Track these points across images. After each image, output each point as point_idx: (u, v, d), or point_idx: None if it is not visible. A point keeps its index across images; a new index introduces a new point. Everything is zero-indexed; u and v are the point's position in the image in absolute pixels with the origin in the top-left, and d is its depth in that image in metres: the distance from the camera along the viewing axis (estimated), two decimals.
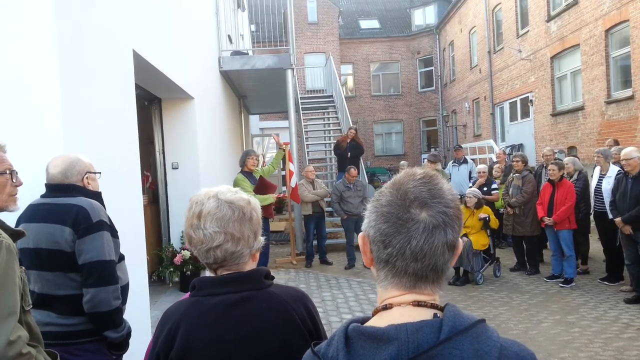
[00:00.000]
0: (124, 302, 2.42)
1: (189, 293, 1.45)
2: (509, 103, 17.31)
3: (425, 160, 9.42)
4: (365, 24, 27.30)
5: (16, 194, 2.02)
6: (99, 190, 2.50)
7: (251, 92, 11.95)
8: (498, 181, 8.74)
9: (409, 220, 0.89)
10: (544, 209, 6.93)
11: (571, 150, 12.45)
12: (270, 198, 7.06)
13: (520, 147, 15.54)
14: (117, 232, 2.43)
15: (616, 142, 8.31)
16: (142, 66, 4.56)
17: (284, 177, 10.95)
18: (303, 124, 13.08)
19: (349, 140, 10.30)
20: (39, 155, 2.56)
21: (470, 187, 8.27)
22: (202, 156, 6.85)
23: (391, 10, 28.26)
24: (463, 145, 14.28)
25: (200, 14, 7.58)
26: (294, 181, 8.66)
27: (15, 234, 1.77)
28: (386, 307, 0.91)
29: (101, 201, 2.42)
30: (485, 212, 7.29)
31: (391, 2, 28.80)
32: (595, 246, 7.77)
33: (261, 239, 1.48)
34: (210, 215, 1.39)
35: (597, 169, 6.87)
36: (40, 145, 2.71)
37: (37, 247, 2.22)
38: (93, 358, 2.27)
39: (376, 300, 0.98)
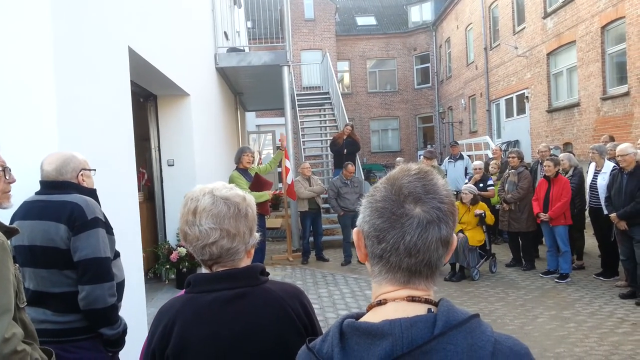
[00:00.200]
0: (120, 299, 2.42)
1: (184, 290, 1.45)
2: (505, 99, 17.33)
3: (422, 156, 9.43)
4: (361, 20, 27.26)
5: (9, 191, 2.01)
6: (94, 187, 2.49)
7: (247, 89, 11.92)
8: (494, 177, 8.77)
9: (403, 216, 0.89)
10: (539, 205, 6.96)
11: (567, 146, 12.48)
12: (266, 195, 7.05)
13: (516, 143, 15.58)
14: (112, 229, 2.42)
15: (612, 138, 8.33)
16: (137, 63, 4.54)
17: (280, 174, 10.95)
18: (299, 120, 13.07)
19: (345, 137, 10.29)
20: (33, 152, 2.55)
21: (466, 183, 8.29)
22: (198, 153, 6.84)
23: (388, 6, 28.23)
24: (459, 142, 14.32)
25: (196, 10, 7.55)
26: (290, 178, 8.66)
27: (8, 232, 1.76)
28: (380, 303, 0.92)
29: (96, 198, 2.41)
30: (481, 208, 7.31)
31: None
32: (591, 242, 7.81)
33: (256, 235, 1.49)
34: (205, 212, 1.39)
35: (592, 165, 6.89)
36: (35, 142, 2.70)
37: (32, 244, 2.22)
38: (89, 355, 2.27)
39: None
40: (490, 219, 7.36)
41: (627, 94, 10.34)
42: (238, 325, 1.35)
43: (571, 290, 6.37)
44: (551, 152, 8.22)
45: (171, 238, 6.60)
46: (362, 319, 0.91)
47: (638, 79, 9.97)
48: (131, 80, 4.30)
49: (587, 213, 7.32)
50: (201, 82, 7.59)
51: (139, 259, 4.20)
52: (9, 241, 1.69)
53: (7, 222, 1.93)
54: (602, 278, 6.72)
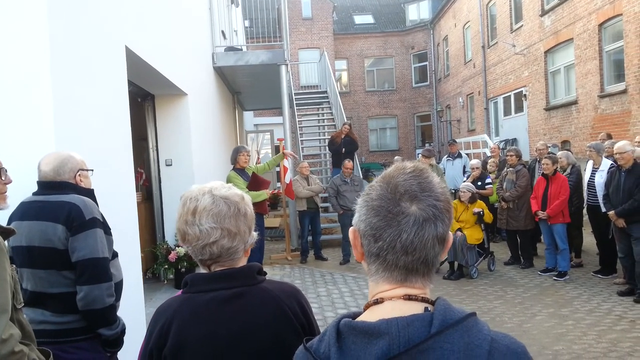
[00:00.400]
0: (118, 299, 2.41)
1: (181, 290, 1.45)
2: (503, 98, 17.35)
3: (420, 155, 9.44)
4: (359, 19, 27.26)
5: (5, 191, 2.01)
6: (92, 188, 2.49)
7: (245, 88, 11.91)
8: (492, 175, 8.77)
9: (400, 214, 0.89)
10: (537, 203, 6.97)
11: (564, 144, 12.49)
12: (264, 194, 7.05)
13: (514, 141, 15.59)
14: (110, 229, 2.42)
15: (609, 136, 8.34)
16: (134, 63, 4.53)
17: (278, 173, 10.95)
18: (297, 119, 13.07)
19: (343, 136, 10.29)
20: (30, 153, 2.55)
21: (465, 181, 8.29)
22: (196, 153, 6.83)
23: (385, 5, 28.23)
24: (457, 140, 14.33)
25: (193, 9, 7.54)
26: (288, 177, 8.66)
27: (5, 232, 1.76)
28: (377, 302, 0.92)
29: (94, 198, 2.41)
30: (479, 206, 7.31)
31: None
32: (589, 239, 7.82)
33: (254, 234, 1.49)
34: (206, 211, 1.39)
35: (590, 163, 6.90)
36: (32, 143, 2.69)
37: (30, 244, 2.21)
38: (87, 356, 2.27)
39: None
40: (488, 217, 7.37)
41: (624, 91, 10.36)
42: (235, 325, 1.35)
43: (569, 287, 6.38)
44: (549, 150, 8.23)
45: (170, 238, 6.60)
46: (359, 318, 0.91)
47: (635, 76, 9.98)
48: (128, 80, 4.29)
49: (585, 211, 7.33)
50: (199, 82, 7.58)
51: (137, 259, 4.19)
52: (5, 242, 1.68)
53: (4, 223, 1.93)
54: (600, 275, 6.73)
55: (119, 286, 2.43)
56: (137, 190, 4.64)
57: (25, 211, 2.27)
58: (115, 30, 3.95)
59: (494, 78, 17.76)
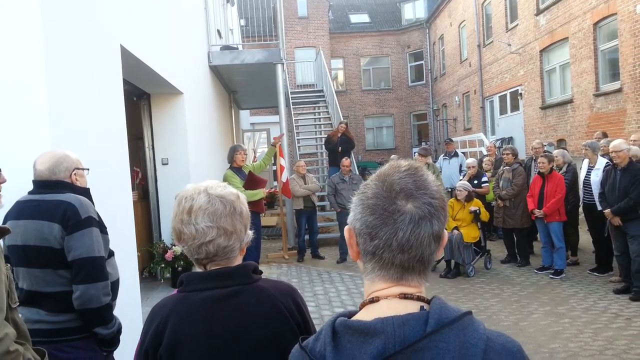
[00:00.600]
0: (114, 298, 2.41)
1: (177, 289, 1.44)
2: (499, 96, 17.38)
3: (416, 154, 9.45)
4: (355, 18, 27.26)
5: (0, 191, 2.00)
6: (88, 187, 2.48)
7: (241, 87, 11.89)
8: (489, 174, 8.79)
9: (395, 212, 0.89)
10: (534, 201, 6.98)
11: (560, 142, 12.53)
12: (261, 193, 7.04)
13: (510, 140, 15.63)
14: (106, 228, 2.41)
15: (605, 135, 8.36)
16: (130, 61, 4.52)
17: (275, 172, 10.93)
18: (294, 118, 13.06)
19: (339, 135, 10.29)
20: (25, 152, 2.54)
21: (461, 180, 8.30)
22: (192, 152, 6.82)
23: (381, 4, 28.23)
24: (453, 139, 14.34)
25: (189, 8, 7.52)
26: (285, 176, 8.65)
27: (0, 231, 1.75)
28: (373, 300, 0.91)
29: (90, 197, 2.40)
30: (475, 205, 7.33)
31: None
32: (585, 237, 7.84)
33: (250, 233, 1.49)
34: (201, 210, 1.39)
35: (586, 162, 6.92)
36: (27, 142, 2.68)
37: (26, 244, 2.20)
38: (83, 355, 2.26)
39: None
40: (485, 215, 7.39)
41: (619, 90, 10.39)
42: (231, 324, 1.35)
43: (566, 286, 6.40)
44: (545, 149, 8.25)
45: (166, 237, 6.59)
46: (355, 317, 0.91)
47: (630, 75, 10.01)
48: (124, 79, 4.28)
49: (581, 209, 7.35)
50: (194, 81, 7.57)
51: (134, 258, 4.19)
52: (1, 241, 1.68)
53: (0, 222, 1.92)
54: (596, 273, 6.75)
55: (115, 285, 2.43)
56: (133, 189, 4.62)
57: (20, 210, 2.26)
58: (111, 29, 3.94)
59: (490, 77, 17.79)
